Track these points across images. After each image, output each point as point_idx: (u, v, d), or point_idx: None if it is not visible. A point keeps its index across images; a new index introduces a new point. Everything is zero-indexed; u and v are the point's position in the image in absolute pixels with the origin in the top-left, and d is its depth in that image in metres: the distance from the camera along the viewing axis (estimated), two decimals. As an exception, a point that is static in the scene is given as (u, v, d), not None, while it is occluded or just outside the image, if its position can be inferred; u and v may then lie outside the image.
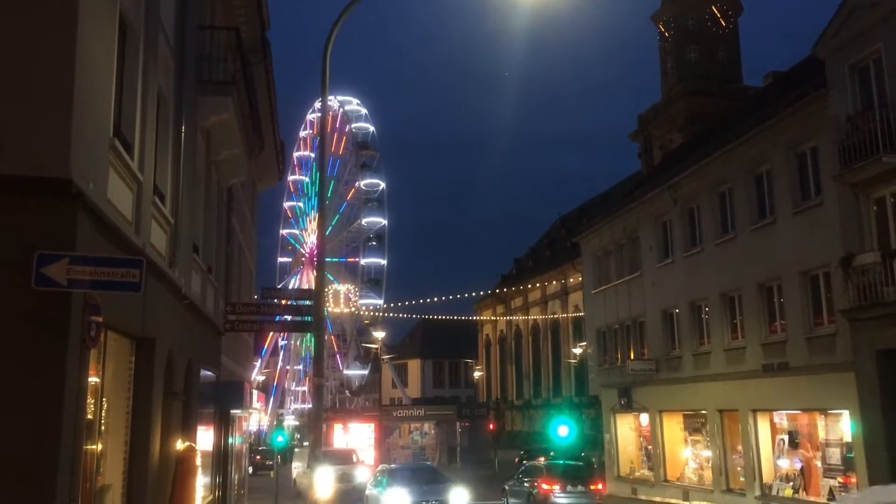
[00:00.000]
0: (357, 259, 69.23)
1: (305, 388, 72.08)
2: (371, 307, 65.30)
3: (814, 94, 19.64)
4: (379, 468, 24.96)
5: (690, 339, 25.47)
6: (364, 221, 69.47)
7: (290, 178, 71.31)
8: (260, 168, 25.04)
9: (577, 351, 45.37)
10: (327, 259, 11.38)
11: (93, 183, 7.28)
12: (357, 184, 69.80)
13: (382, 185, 70.55)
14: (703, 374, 24.50)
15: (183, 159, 11.89)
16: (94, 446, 8.35)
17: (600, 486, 24.28)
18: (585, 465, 28.28)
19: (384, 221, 69.91)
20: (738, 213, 23.23)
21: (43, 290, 6.44)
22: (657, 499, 26.59)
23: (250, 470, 34.39)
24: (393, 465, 26.48)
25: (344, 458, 30.41)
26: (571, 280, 48.44)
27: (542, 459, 27.54)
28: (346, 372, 70.47)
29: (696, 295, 25.24)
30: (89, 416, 7.92)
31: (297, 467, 32.27)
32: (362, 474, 28.05)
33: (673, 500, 25.80)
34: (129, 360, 9.96)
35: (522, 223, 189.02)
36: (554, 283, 51.95)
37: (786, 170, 21.01)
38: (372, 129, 72.35)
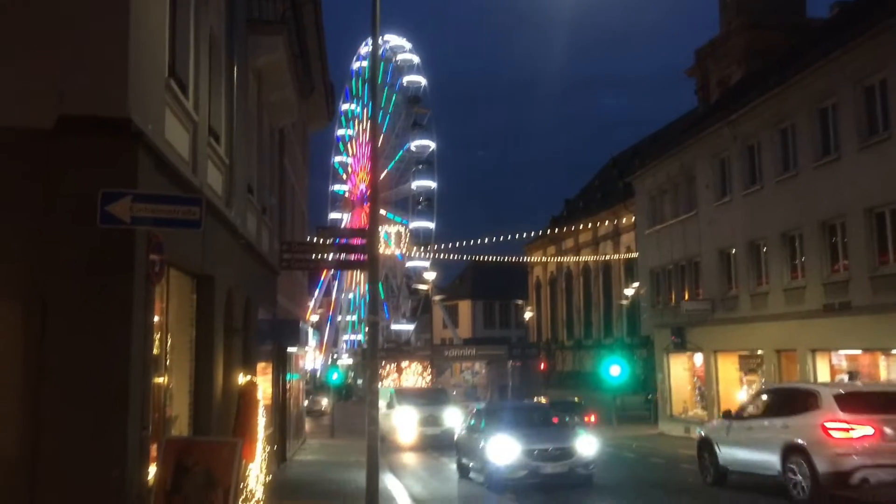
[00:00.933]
0: (407, 185, 68.97)
1: (357, 336, 73.51)
2: (422, 242, 65.61)
3: (884, 22, 18.67)
4: (475, 407, 20.03)
5: (748, 278, 25.04)
6: (413, 146, 69.12)
7: (338, 132, 71.33)
8: (309, 110, 25.09)
9: (629, 292, 45.08)
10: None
11: (151, 123, 7.39)
12: (408, 145, 69.39)
13: (433, 146, 70.02)
14: (760, 315, 24.14)
15: (236, 100, 11.97)
16: (160, 380, 8.67)
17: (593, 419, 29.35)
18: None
19: (433, 146, 69.48)
20: (800, 150, 22.48)
21: (108, 228, 6.62)
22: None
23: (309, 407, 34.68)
24: (494, 404, 22.62)
25: (431, 398, 27.65)
26: (624, 220, 47.87)
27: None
28: (393, 327, 71.38)
29: (755, 234, 24.70)
30: (155, 352, 8.22)
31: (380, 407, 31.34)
32: (453, 417, 25.13)
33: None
34: (191, 298, 10.24)
35: (573, 166, 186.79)
36: (606, 223, 51.41)
37: (852, 104, 20.16)
38: (424, 82, 71.48)
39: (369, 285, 9.57)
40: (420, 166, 69.40)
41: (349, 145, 73.01)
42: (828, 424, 10.93)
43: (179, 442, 7.66)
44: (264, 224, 15.75)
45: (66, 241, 6.80)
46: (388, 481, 14.69)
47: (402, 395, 28.37)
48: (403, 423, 25.46)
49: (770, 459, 11.80)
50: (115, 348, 6.74)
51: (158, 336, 8.51)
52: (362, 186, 68.21)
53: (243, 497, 9.62)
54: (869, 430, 10.74)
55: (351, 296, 74.48)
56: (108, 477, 6.54)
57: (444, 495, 14.98)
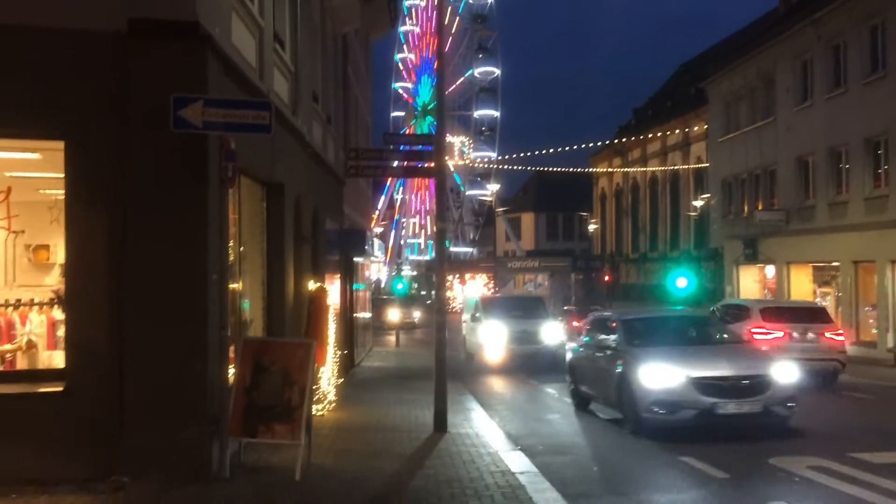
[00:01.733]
0: (469, 112, 68.48)
1: (420, 241, 74.26)
2: (484, 160, 65.24)
3: None
4: (599, 316, 14.20)
5: (826, 187, 24.15)
6: (476, 72, 68.01)
7: (401, 28, 70.17)
8: (371, 16, 24.64)
9: (698, 203, 44.04)
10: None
11: (218, 27, 7.36)
12: (472, 70, 67.91)
13: (497, 72, 68.37)
14: (838, 225, 23.37)
15: (299, 5, 11.82)
16: (235, 285, 8.93)
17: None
18: None
19: (497, 72, 68.27)
20: (890, 48, 21.17)
21: (181, 132, 6.71)
22: (779, 350, 26.35)
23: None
24: (634, 313, 14.47)
25: (525, 310, 22.19)
26: (695, 129, 46.31)
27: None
28: (453, 249, 71.71)
29: (837, 140, 23.65)
30: (230, 258, 8.45)
31: (465, 321, 24.45)
32: (551, 333, 20.72)
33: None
34: (261, 206, 10.42)
35: (641, 74, 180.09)
36: (676, 132, 49.86)
37: (952, -4, 18.77)
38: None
39: (436, 192, 9.56)
40: (483, 93, 68.34)
41: (411, 44, 72.21)
42: (753, 330, 15.03)
43: (257, 342, 7.94)
44: (329, 134, 15.79)
45: (141, 147, 6.94)
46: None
47: (489, 305, 22.85)
48: (491, 341, 20.69)
49: None
50: (193, 250, 6.95)
51: (232, 244, 8.74)
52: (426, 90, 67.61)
53: (316, 397, 10.03)
54: (780, 334, 15.16)
55: (413, 220, 75.05)
56: (192, 370, 6.85)
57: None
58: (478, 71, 68.38)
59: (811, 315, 15.93)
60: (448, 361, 10.38)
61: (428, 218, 74.84)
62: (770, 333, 14.91)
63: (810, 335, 14.47)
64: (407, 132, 68.63)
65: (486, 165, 64.34)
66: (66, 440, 6.68)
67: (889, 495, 6.90)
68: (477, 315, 22.16)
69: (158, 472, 6.64)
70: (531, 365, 19.40)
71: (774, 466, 8.07)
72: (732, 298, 21.69)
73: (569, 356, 13.82)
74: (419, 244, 75.88)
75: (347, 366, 16.85)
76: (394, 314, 35.67)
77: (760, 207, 27.99)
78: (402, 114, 73.57)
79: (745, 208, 29.52)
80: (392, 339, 28.92)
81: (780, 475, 7.75)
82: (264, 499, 6.41)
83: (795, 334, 14.98)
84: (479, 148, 68.75)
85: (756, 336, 14.55)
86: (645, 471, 8.32)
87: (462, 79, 68.88)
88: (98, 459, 6.70)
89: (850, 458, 8.31)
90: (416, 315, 41.34)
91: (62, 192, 7.13)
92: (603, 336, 12.33)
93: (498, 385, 17.51)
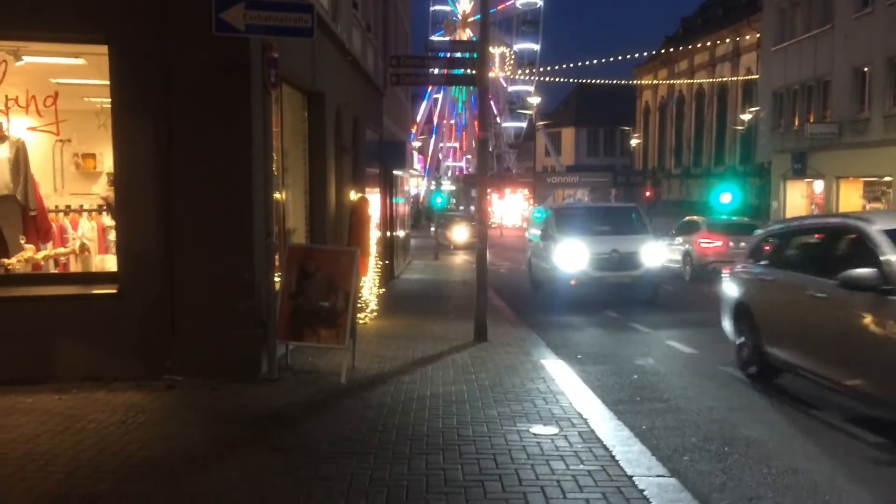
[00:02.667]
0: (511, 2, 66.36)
1: (460, 162, 73.76)
2: (526, 62, 63.73)
3: None
4: (774, 230, 9.52)
5: (883, 98, 23.25)
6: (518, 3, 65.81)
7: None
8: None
9: (746, 117, 42.79)
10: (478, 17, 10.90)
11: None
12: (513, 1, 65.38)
13: (540, 2, 65.68)
14: (893, 138, 22.60)
15: None
16: (279, 195, 9.01)
17: None
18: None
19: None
20: (962, -51, 19.92)
21: (223, 36, 6.67)
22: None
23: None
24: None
25: (613, 223, 16.06)
26: (747, 38, 44.57)
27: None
28: (503, 124, 70.76)
29: (896, 49, 22.62)
30: (274, 167, 8.49)
31: (530, 240, 18.69)
32: (653, 254, 15.01)
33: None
34: (303, 115, 10.40)
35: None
36: (726, 41, 48.06)
37: None
38: None
39: (479, 101, 9.42)
40: (525, 27, 66.07)
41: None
42: (700, 240, 19.48)
43: (301, 249, 8.06)
44: (369, 42, 15.54)
45: (184, 51, 6.93)
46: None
47: (565, 218, 16.64)
48: (570, 265, 14.70)
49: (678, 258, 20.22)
50: (238, 155, 7.01)
51: (275, 155, 8.76)
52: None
53: (359, 306, 10.21)
54: (719, 243, 18.99)
55: (453, 142, 74.26)
56: (240, 279, 7.02)
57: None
58: (519, 2, 66.19)
59: (746, 229, 18.11)
60: (509, 290, 10.22)
61: (463, 134, 74.16)
62: (712, 242, 19.30)
63: (742, 244, 15.01)
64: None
65: (526, 77, 62.98)
66: (121, 340, 6.95)
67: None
68: (549, 232, 16.15)
69: (209, 373, 6.90)
70: (624, 299, 14.69)
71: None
72: (695, 217, 22.61)
73: (738, 292, 8.51)
74: (459, 163, 75.39)
75: (388, 277, 17.08)
76: (460, 233, 31.32)
77: (812, 120, 27.12)
78: (443, 7, 71.59)
79: (796, 121, 28.64)
80: (431, 253, 29.05)
81: None
82: (311, 398, 6.63)
83: (731, 244, 18.36)
84: (522, 40, 67.02)
85: (702, 244, 19.39)
86: (690, 381, 8.37)
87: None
88: (152, 359, 6.97)
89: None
90: (466, 234, 35.71)
91: (108, 99, 7.19)
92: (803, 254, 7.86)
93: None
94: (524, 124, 69.97)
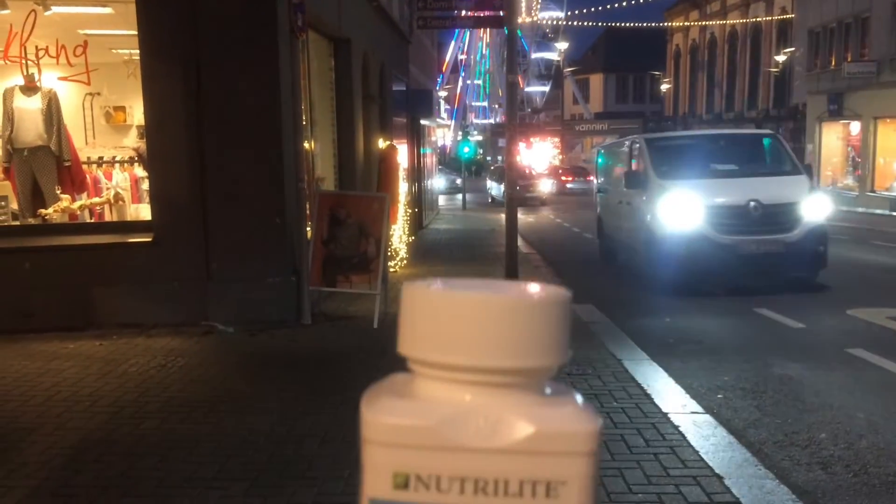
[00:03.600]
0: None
1: (486, 104, 73.09)
2: (552, 19, 62.69)
3: None
4: None
5: (924, 35, 22.49)
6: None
7: None
8: None
9: (781, 58, 41.68)
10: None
11: None
12: None
13: None
14: (934, 76, 21.93)
15: None
16: (308, 145, 9.01)
17: None
18: None
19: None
20: None
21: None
22: (860, 209, 25.53)
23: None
24: None
25: (743, 163, 10.86)
26: (781, -24, 43.17)
27: None
28: (526, 89, 70.01)
29: (940, -18, 21.78)
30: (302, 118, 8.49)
31: (600, 190, 14.02)
32: (815, 207, 9.80)
33: (878, 210, 24.68)
34: (329, 62, 10.33)
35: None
36: (759, -20, 46.59)
37: None
38: None
39: (508, 42, 9.26)
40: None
41: None
42: None
43: (332, 196, 8.09)
44: (393, -13, 15.33)
45: (209, -3, 6.88)
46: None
47: (668, 155, 11.04)
48: (677, 224, 9.67)
49: None
50: (266, 102, 7.00)
51: (303, 105, 8.75)
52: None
53: (389, 253, 10.27)
54: None
55: (479, 82, 73.34)
56: (272, 223, 7.07)
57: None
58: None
59: None
60: (571, 265, 9.56)
61: (487, 78, 73.21)
62: None
63: None
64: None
65: (554, 22, 61.84)
66: (158, 288, 7.08)
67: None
68: (646, 178, 10.60)
69: (245, 319, 7.01)
70: (769, 276, 9.89)
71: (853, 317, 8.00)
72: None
73: None
74: (485, 108, 74.71)
75: (417, 226, 17.10)
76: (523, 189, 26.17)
77: (849, 59, 26.36)
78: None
79: (833, 60, 27.86)
80: (459, 201, 28.94)
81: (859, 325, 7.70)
82: (345, 342, 6.73)
83: None
84: (547, 7, 65.86)
85: None
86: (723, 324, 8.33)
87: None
88: (190, 306, 7.09)
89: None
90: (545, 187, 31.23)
91: (136, 50, 7.20)
92: None
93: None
94: (547, 88, 68.83)
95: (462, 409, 0.37)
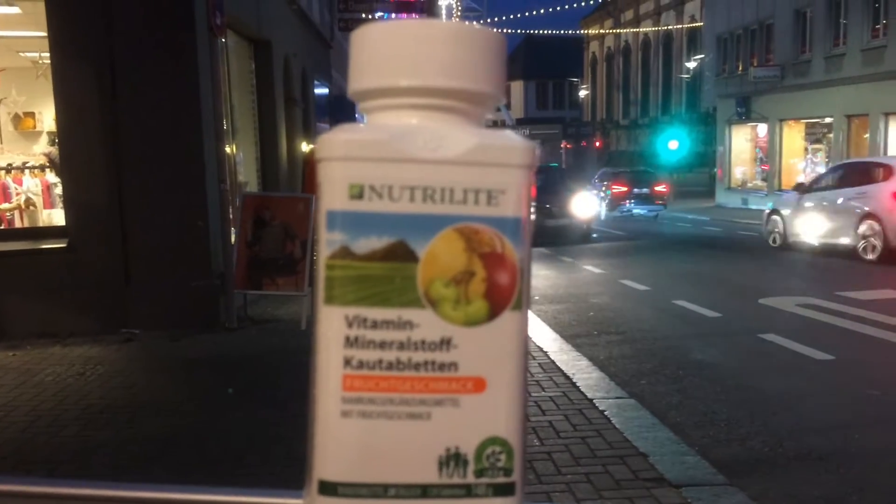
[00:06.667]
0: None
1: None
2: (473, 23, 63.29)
3: None
4: None
5: (823, 40, 23.66)
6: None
7: None
8: None
9: (691, 64, 43.18)
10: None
11: None
12: None
13: None
14: (833, 79, 23.08)
15: None
16: (229, 148, 8.84)
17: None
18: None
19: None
20: None
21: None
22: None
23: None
24: None
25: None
26: (690, -15, 44.76)
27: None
28: None
29: (836, -10, 22.97)
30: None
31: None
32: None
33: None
34: (250, 65, 10.18)
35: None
36: (670, -10, 48.23)
37: None
38: None
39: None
40: None
41: None
42: (613, 185, 20.52)
43: (256, 197, 7.95)
44: (313, -8, 15.21)
45: (123, -4, 6.69)
46: None
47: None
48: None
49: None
50: (186, 101, 6.84)
51: (223, 106, 8.58)
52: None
53: (315, 253, 10.17)
54: (623, 188, 22.77)
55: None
56: (193, 224, 6.90)
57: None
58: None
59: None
60: None
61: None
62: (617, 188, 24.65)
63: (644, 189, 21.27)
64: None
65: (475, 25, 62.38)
66: (74, 295, 6.81)
67: (877, 325, 7.19)
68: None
69: (167, 324, 6.81)
70: None
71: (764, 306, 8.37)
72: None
73: None
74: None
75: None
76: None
77: (755, 64, 27.51)
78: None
79: (740, 66, 29.03)
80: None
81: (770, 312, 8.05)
82: (272, 346, 6.61)
83: (635, 189, 24.23)
84: (468, 13, 66.59)
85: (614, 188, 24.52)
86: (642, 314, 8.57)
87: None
88: (108, 313, 6.85)
89: (836, 296, 8.60)
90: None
91: (46, 52, 6.93)
92: None
93: None
94: None
95: (410, 128, 0.39)
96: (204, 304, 7.06)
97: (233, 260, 7.22)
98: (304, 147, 11.54)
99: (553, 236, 15.59)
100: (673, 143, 30.71)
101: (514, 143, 0.40)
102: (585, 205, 16.75)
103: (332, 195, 0.39)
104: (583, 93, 65.09)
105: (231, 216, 7.55)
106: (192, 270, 6.97)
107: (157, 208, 6.89)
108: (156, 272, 6.93)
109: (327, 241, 0.39)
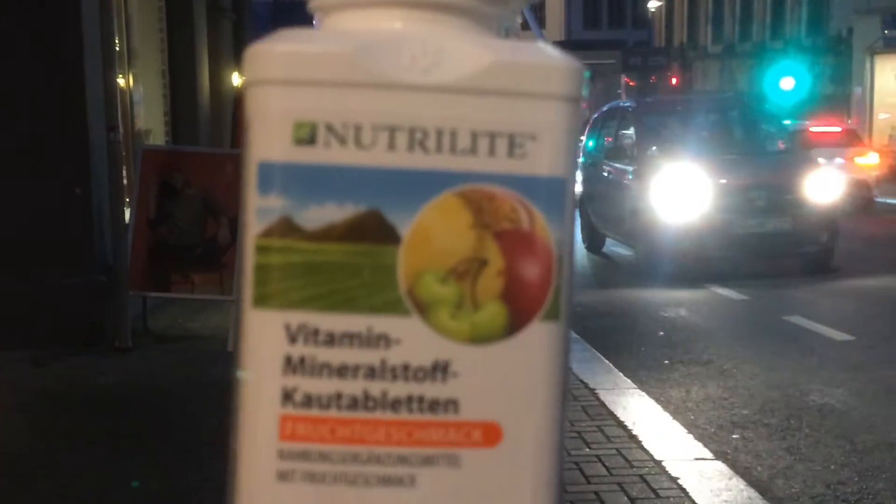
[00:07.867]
0: None
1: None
2: None
3: None
4: None
5: None
6: None
7: None
8: None
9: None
10: None
11: None
12: None
13: None
14: None
15: None
16: (122, 80, 8.85)
17: None
18: None
19: None
20: None
21: None
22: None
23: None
24: None
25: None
26: None
27: None
28: None
29: None
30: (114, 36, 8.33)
31: None
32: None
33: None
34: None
35: None
36: None
37: None
38: None
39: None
40: None
41: None
42: None
43: (162, 154, 7.97)
44: None
45: None
46: None
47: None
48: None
49: None
50: (60, 16, 6.84)
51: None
52: None
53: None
54: None
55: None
56: (68, 194, 6.90)
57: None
58: None
59: None
60: None
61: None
62: None
63: None
64: None
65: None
66: None
67: None
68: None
69: (30, 342, 6.82)
70: None
71: None
72: None
73: None
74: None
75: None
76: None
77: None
78: None
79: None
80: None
81: None
82: (180, 375, 6.60)
83: None
84: None
85: None
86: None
87: None
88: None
89: None
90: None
91: None
92: None
93: None
94: None
95: (391, 35, 0.36)
96: (82, 313, 7.08)
97: (127, 247, 7.23)
98: (236, 79, 11.58)
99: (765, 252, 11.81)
100: (787, 82, 30.67)
101: (549, 61, 0.37)
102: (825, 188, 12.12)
103: (268, 139, 0.39)
104: (653, 5, 65.29)
105: (125, 181, 7.56)
106: (67, 263, 6.98)
107: (14, 171, 6.87)
108: (12, 266, 6.93)
109: (259, 210, 0.40)
